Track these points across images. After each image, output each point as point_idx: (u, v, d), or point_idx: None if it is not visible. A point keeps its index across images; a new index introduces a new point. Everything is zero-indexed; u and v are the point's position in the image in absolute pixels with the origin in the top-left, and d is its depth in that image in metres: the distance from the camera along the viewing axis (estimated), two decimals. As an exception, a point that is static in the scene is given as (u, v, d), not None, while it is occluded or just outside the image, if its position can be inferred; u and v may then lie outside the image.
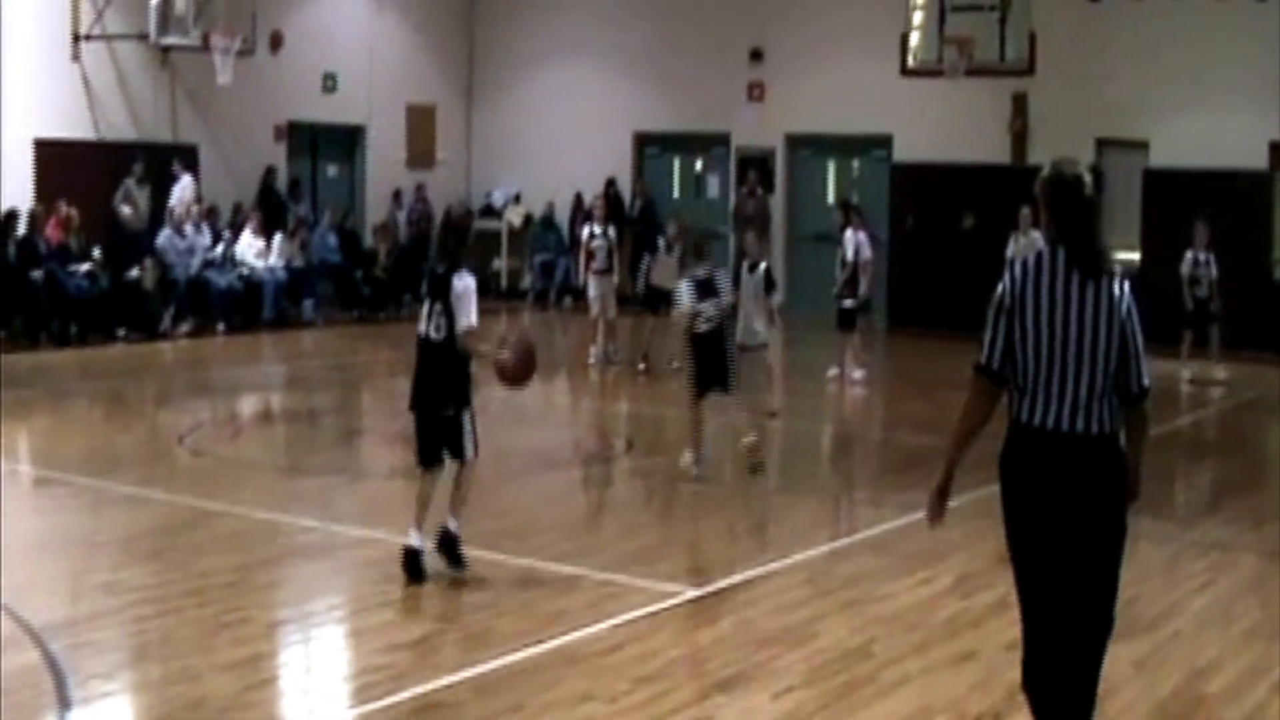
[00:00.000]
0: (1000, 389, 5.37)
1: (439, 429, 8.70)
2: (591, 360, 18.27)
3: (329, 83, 25.15)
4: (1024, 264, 5.30)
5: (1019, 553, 5.39)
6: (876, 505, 11.42)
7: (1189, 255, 18.28)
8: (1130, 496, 5.32)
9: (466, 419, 8.74)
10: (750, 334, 14.37)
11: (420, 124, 26.79)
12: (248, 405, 15.68)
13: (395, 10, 26.26)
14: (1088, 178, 5.37)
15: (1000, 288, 5.30)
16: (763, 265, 14.33)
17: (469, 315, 8.51)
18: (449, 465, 8.86)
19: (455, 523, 8.77)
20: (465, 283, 8.54)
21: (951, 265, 22.88)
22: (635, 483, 12.24)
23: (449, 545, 8.75)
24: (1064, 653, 5.31)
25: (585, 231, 18.65)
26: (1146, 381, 5.28)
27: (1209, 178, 21.08)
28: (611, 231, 18.47)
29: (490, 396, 16.69)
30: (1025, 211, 18.35)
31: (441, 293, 8.61)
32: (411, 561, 8.62)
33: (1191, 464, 13.55)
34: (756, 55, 25.06)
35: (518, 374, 8.79)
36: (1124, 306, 5.25)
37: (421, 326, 8.70)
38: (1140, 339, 5.26)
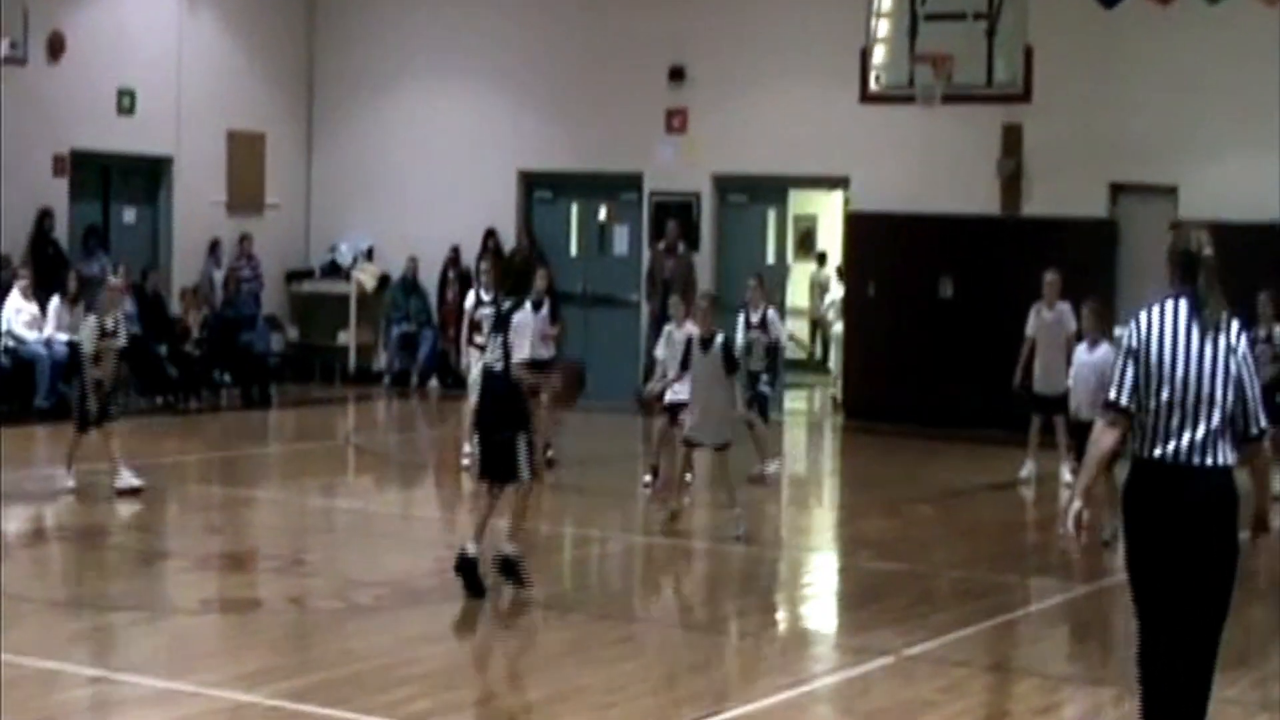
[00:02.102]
0: (1127, 423, 7.35)
1: (498, 451, 11.96)
2: (467, 462, 18.27)
3: (125, 101, 25.10)
4: (1149, 313, 7.38)
5: (1138, 580, 7.43)
6: (829, 649, 11.48)
7: (1244, 335, 18.29)
8: (1260, 529, 7.55)
9: (522, 444, 11.91)
10: (709, 430, 14.53)
11: (245, 157, 26.78)
12: (14, 521, 15.51)
13: (212, 10, 26.32)
14: (1208, 242, 7.53)
15: (1127, 333, 7.39)
16: (719, 337, 14.59)
17: (521, 349, 11.99)
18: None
19: (513, 546, 11.97)
20: (522, 318, 12.14)
21: (925, 345, 23.14)
22: (520, 620, 12.22)
23: (509, 569, 11.93)
24: (1174, 677, 7.30)
25: (470, 299, 18.69)
26: (1264, 423, 7.30)
27: (1255, 234, 21.43)
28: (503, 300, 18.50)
29: (337, 510, 16.80)
30: (1051, 277, 18.41)
31: (504, 327, 12.16)
32: (467, 570, 11.86)
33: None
34: (676, 75, 25.29)
35: (566, 394, 13.31)
36: (1239, 354, 7.32)
37: (487, 357, 12.55)
38: (1256, 384, 7.34)
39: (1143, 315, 7.38)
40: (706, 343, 14.64)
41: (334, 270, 27.23)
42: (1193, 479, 7.21)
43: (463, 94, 26.64)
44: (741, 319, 17.99)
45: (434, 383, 26.25)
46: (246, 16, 26.80)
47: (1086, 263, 22.12)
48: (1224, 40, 21.99)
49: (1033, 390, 18.19)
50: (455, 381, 22.89)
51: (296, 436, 22.75)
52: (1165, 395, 7.25)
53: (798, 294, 30.00)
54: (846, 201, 25.04)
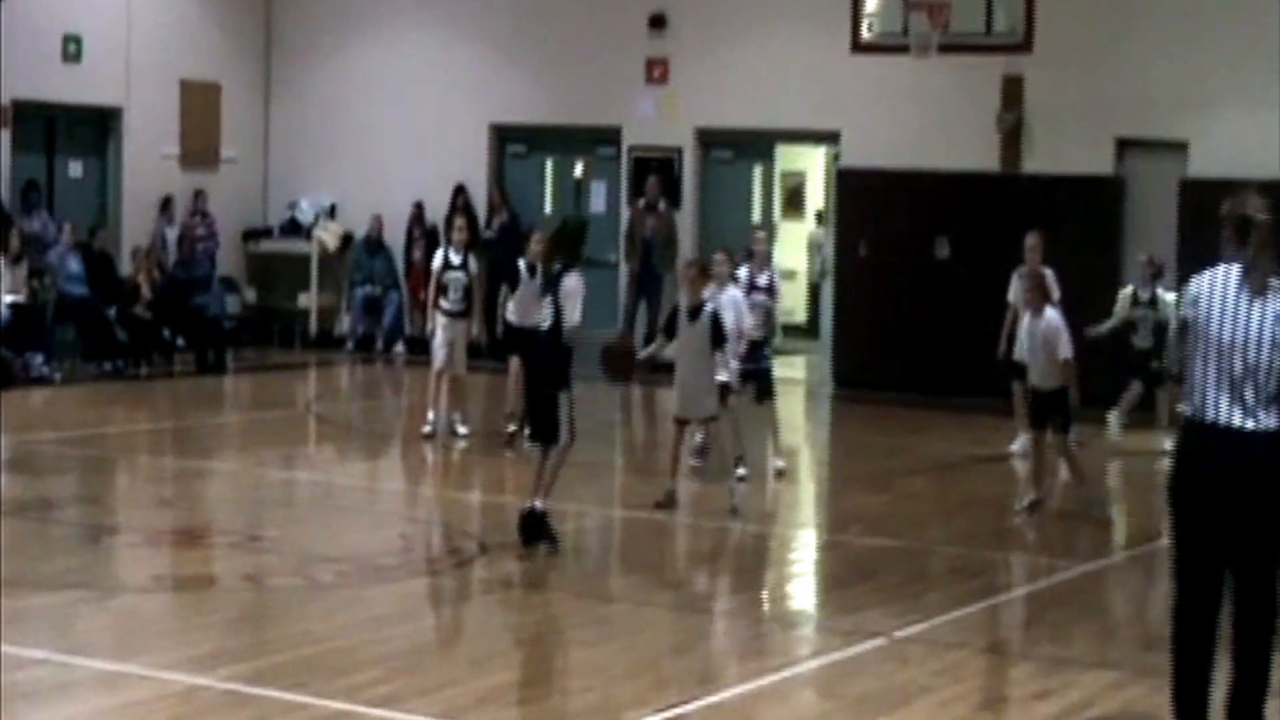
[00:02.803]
0: (1177, 388, 8.19)
1: (544, 410, 12.98)
2: (428, 429, 18.29)
3: (71, 48, 25.01)
4: (1201, 279, 7.98)
5: (1181, 545, 8.13)
6: (818, 630, 11.49)
7: None
8: None
9: (564, 402, 12.87)
10: (694, 404, 14.56)
11: (199, 108, 26.71)
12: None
13: (165, -48, 26.24)
14: (1263, 206, 8.07)
15: (1180, 304, 8.12)
16: (708, 308, 14.58)
17: (575, 312, 12.88)
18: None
19: (542, 502, 12.86)
20: (574, 283, 12.93)
21: (919, 309, 23.16)
22: (490, 598, 12.22)
23: (538, 526, 12.83)
24: (1235, 635, 8.07)
25: (437, 259, 18.67)
26: None
27: (1270, 192, 21.43)
28: (473, 262, 18.57)
29: (297, 482, 16.79)
30: (1031, 240, 18.36)
31: (553, 289, 12.97)
32: (533, 522, 12.84)
33: None
34: (657, 23, 25.26)
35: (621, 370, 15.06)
36: None
37: (538, 316, 13.36)
38: None
39: (1195, 281, 8.04)
40: (694, 313, 14.64)
41: (294, 229, 27.17)
42: (1239, 442, 7.84)
43: (431, 42, 26.57)
44: (744, 276, 16.75)
45: (399, 348, 26.23)
46: (201, -42, 26.73)
47: (1091, 222, 22.19)
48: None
49: (1013, 359, 18.12)
50: (421, 347, 22.87)
51: (254, 404, 22.72)
52: (1214, 360, 7.87)
53: (785, 255, 29.97)
54: (835, 157, 25.01)
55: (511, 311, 17.91)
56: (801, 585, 13.32)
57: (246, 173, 27.43)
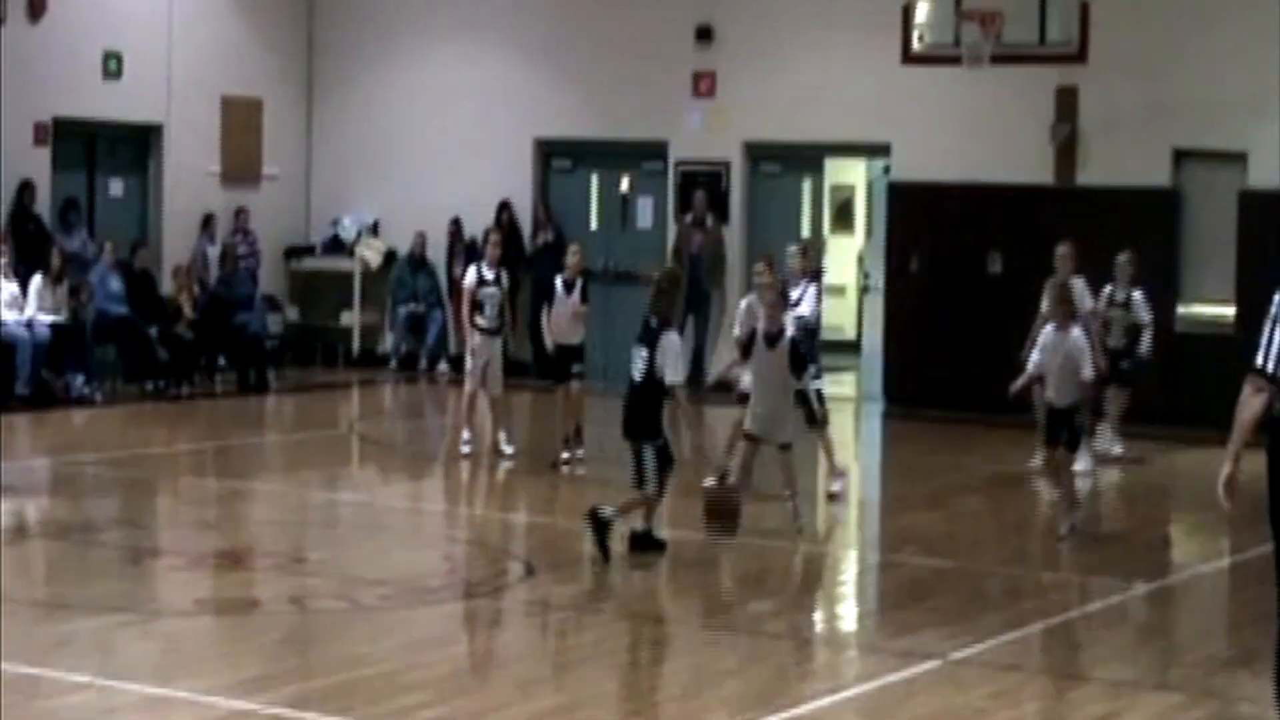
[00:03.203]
0: (1273, 387, 8.17)
1: (633, 458, 13.59)
2: (466, 450, 18.30)
3: (112, 65, 25.10)
4: None
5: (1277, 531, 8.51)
6: (871, 652, 11.45)
7: None
8: None
9: (649, 453, 13.47)
10: (773, 427, 14.49)
11: (240, 125, 26.78)
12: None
13: (206, -33, 26.34)
14: None
15: (1276, 297, 8.20)
16: (788, 333, 14.50)
17: (677, 373, 13.51)
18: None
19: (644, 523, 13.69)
20: (671, 341, 13.55)
21: (972, 323, 23.08)
22: (536, 620, 12.21)
23: (643, 543, 13.63)
24: None
25: (470, 275, 18.69)
26: None
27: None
28: (504, 278, 18.62)
29: (340, 504, 16.81)
30: (1062, 250, 18.38)
31: (650, 342, 13.47)
32: (641, 541, 13.56)
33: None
34: (704, 35, 25.24)
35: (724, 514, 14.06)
36: None
37: (634, 366, 13.66)
38: None
39: None
40: (773, 339, 14.55)
41: (336, 246, 27.19)
42: None
43: (475, 56, 26.59)
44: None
45: (443, 366, 26.22)
46: (241, -27, 26.83)
47: (1147, 235, 22.07)
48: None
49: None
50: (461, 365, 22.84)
51: (296, 424, 22.76)
52: None
53: (834, 270, 29.91)
54: (886, 169, 24.95)
55: (546, 330, 17.96)
56: (855, 606, 13.28)
57: (288, 190, 27.48)
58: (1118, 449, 19.18)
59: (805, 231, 24.86)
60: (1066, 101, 23.14)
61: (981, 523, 16.19)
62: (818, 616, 12.83)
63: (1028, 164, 23.22)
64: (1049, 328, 15.24)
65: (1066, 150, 23.18)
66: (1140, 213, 22.34)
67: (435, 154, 26.64)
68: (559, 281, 18.01)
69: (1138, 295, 19.18)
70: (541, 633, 11.94)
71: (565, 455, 17.88)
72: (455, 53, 26.69)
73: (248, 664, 10.32)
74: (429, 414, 24.66)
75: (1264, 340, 8.26)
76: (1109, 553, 14.76)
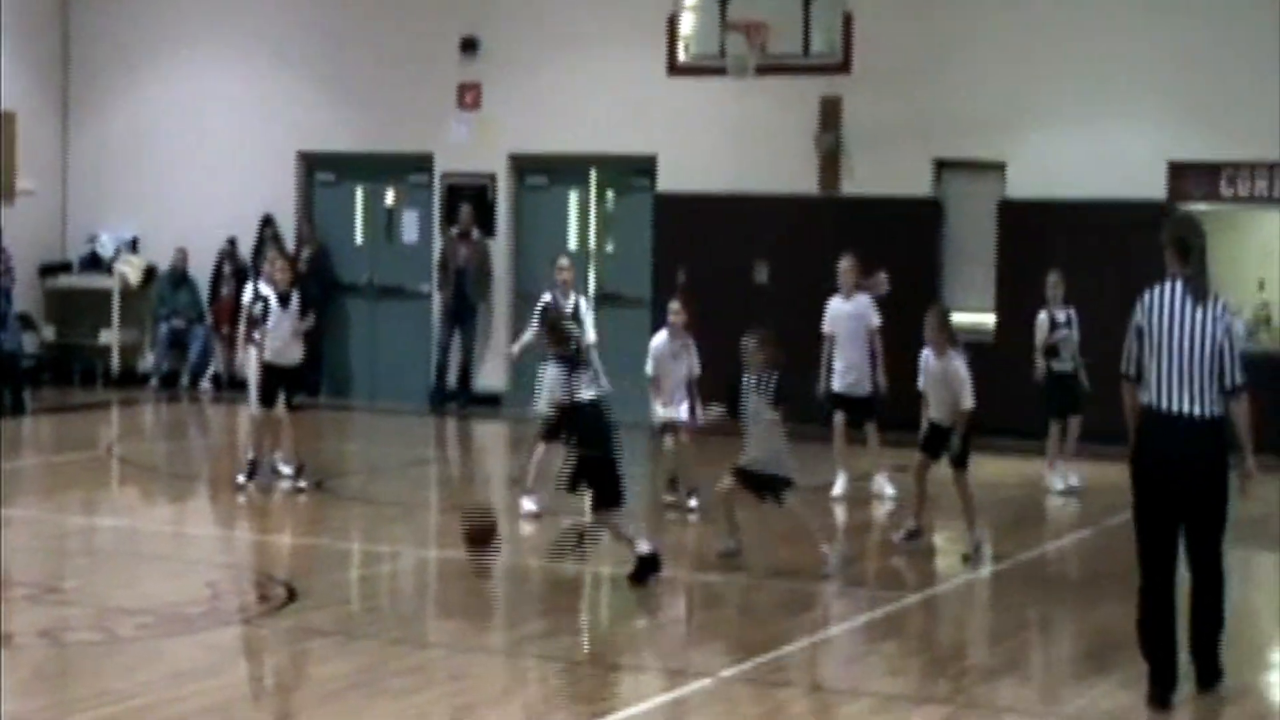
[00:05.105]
0: (1134, 383, 10.15)
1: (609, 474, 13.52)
2: (242, 479, 17.90)
3: None
4: (1151, 293, 10.08)
5: (1141, 510, 10.13)
6: (643, 671, 11.33)
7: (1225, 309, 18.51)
8: (1246, 475, 10.30)
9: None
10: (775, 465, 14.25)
11: (-8, 139, 26.24)
12: None
13: (-47, -23, 25.73)
14: (1199, 230, 10.29)
15: (1136, 313, 10.11)
16: (774, 375, 14.34)
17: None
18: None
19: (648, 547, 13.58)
20: (558, 371, 14.00)
21: (738, 335, 23.02)
22: (299, 647, 11.95)
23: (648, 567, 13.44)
24: (1192, 597, 10.24)
25: (248, 292, 18.30)
26: (1240, 379, 10.02)
27: (1087, 211, 21.71)
28: (295, 299, 18.14)
29: (99, 529, 16.37)
30: (845, 264, 18.20)
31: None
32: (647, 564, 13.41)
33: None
34: (469, 46, 25.13)
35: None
36: (1223, 324, 10.04)
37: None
38: (1236, 348, 10.06)
39: (1146, 296, 10.10)
40: (761, 383, 14.35)
41: (94, 263, 26.76)
42: (1189, 425, 9.94)
43: (236, 68, 26.28)
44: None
45: (206, 384, 25.85)
46: (-9, -17, 26.26)
47: (910, 243, 22.28)
48: (1055, 7, 22.27)
49: (834, 391, 18.01)
50: (230, 381, 22.49)
51: (54, 447, 22.22)
52: (1167, 359, 9.94)
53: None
54: (652, 182, 24.92)
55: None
56: (623, 626, 13.12)
57: (44, 205, 26.94)
58: (1074, 480, 18.66)
59: (572, 244, 24.76)
60: (830, 111, 23.31)
61: (747, 535, 16.14)
62: (586, 637, 12.67)
63: (793, 174, 23.37)
64: (927, 354, 15.17)
65: (830, 160, 23.35)
66: (904, 221, 22.57)
67: (196, 168, 26.27)
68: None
69: (1073, 314, 18.57)
70: (306, 661, 11.67)
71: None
72: (215, 65, 26.35)
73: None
74: (191, 434, 24.23)
75: (1127, 348, 10.16)
76: (878, 563, 14.81)
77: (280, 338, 17.38)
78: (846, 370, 17.85)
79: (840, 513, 17.35)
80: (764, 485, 14.12)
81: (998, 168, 22.62)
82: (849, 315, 17.94)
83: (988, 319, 22.22)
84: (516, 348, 18.30)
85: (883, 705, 10.27)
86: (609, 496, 13.43)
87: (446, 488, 19.53)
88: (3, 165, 26.37)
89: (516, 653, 11.73)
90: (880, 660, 11.64)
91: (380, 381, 25.50)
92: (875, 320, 17.81)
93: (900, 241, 22.04)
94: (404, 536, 15.41)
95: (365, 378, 25.80)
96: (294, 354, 17.53)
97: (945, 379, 14.93)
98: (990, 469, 18.79)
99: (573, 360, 13.97)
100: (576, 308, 17.01)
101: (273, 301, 17.38)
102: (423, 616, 13.09)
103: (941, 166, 22.93)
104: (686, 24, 23.88)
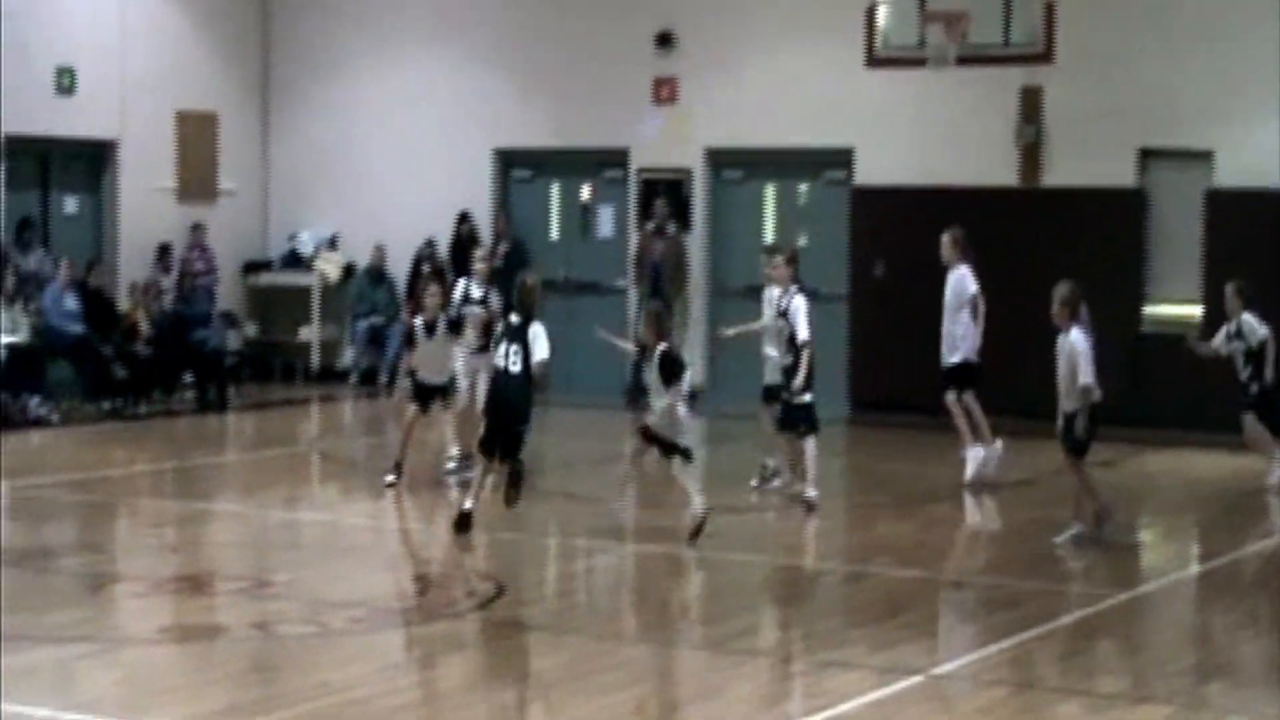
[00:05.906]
0: None
1: (505, 440, 14.88)
2: (452, 465, 18.05)
3: (65, 80, 24.91)
4: None
5: None
6: (847, 668, 11.29)
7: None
8: None
9: (527, 434, 14.97)
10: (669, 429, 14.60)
11: (196, 140, 26.60)
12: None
13: (157, -20, 26.16)
14: None
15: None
16: (659, 348, 14.66)
17: (542, 351, 14.99)
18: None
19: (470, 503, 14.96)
20: (537, 329, 15.06)
21: (938, 329, 22.91)
22: (509, 642, 12.03)
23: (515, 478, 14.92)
24: None
25: (458, 291, 18.40)
26: None
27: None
28: (495, 297, 18.25)
29: (303, 524, 16.58)
30: (945, 237, 18.43)
31: (519, 338, 14.95)
32: (462, 521, 14.84)
33: None
34: (665, 41, 25.15)
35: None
36: None
37: (500, 362, 15.03)
38: None
39: None
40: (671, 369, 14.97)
41: (295, 261, 27.07)
42: None
43: (432, 67, 26.47)
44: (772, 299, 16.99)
45: (404, 380, 26.07)
46: (194, -15, 26.66)
47: (1114, 235, 22.04)
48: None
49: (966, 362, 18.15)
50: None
51: (257, 443, 22.55)
52: None
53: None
54: (849, 175, 24.82)
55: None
56: (832, 621, 13.08)
57: (245, 205, 27.32)
58: None
59: (769, 239, 24.71)
60: (1031, 102, 23.11)
61: (953, 531, 16.05)
62: (795, 633, 12.65)
63: (993, 166, 23.20)
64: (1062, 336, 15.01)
65: (1031, 152, 23.16)
66: (1107, 213, 22.32)
67: (393, 166, 26.52)
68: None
69: (1249, 318, 18.07)
70: (514, 655, 11.75)
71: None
72: (413, 64, 26.57)
73: (214, 694, 10.13)
74: (390, 429, 24.37)
75: None
76: (1085, 561, 14.65)
77: (434, 361, 17.68)
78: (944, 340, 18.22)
79: (1050, 490, 17.11)
80: (666, 448, 14.89)
81: (1205, 156, 22.28)
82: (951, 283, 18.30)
83: (1195, 311, 21.89)
84: (733, 330, 18.51)
85: (1099, 705, 10.14)
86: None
87: (642, 482, 19.53)
88: (205, 166, 26.78)
89: (722, 649, 11.73)
90: (1092, 659, 11.51)
91: (576, 376, 25.59)
92: (971, 288, 17.82)
93: (1103, 233, 21.79)
94: (603, 531, 15.45)
95: (561, 373, 25.74)
96: (442, 373, 17.81)
97: (1067, 356, 14.71)
98: (1203, 464, 18.55)
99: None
100: (787, 304, 16.74)
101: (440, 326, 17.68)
102: (626, 611, 13.14)
103: (1146, 156, 22.63)
104: (884, 15, 23.74)
